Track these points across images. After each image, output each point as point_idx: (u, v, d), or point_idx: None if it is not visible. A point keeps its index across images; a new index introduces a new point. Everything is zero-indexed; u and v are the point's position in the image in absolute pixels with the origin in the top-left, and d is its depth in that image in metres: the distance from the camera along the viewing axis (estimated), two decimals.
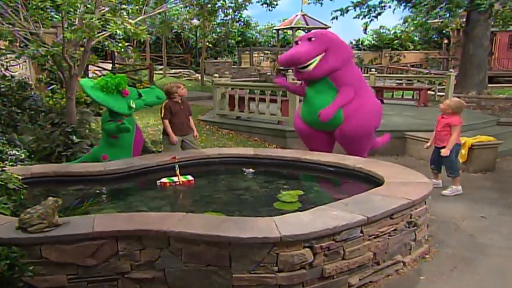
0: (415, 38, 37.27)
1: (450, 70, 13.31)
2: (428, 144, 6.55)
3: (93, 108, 9.25)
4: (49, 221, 3.37)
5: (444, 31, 33.18)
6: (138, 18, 7.18)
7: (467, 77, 15.61)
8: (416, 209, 4.07)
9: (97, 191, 4.89)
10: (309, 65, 6.02)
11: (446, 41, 33.06)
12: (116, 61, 15.98)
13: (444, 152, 6.06)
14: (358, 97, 6.12)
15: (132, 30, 6.18)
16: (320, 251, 3.37)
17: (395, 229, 3.86)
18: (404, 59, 33.88)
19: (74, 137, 6.76)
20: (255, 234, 3.23)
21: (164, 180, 5.08)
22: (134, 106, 5.73)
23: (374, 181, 4.82)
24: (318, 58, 6.01)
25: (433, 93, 13.38)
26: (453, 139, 6.04)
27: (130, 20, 6.22)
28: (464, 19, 16.99)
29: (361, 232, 3.57)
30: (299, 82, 6.92)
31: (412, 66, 29.23)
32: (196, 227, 3.38)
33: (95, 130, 7.73)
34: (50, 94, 9.58)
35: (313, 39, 6.13)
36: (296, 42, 6.38)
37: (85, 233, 3.33)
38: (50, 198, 3.50)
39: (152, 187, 5.17)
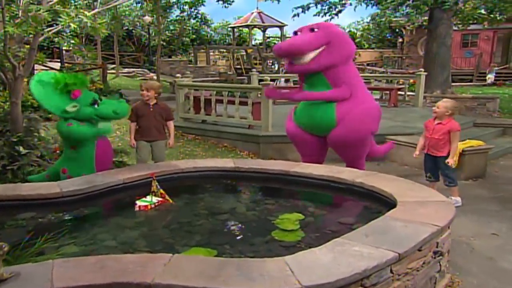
0: (369, 37, 37.55)
1: (420, 69, 13.01)
2: (417, 152, 5.94)
3: (41, 113, 8.21)
4: None
5: (397, 30, 33.51)
6: (92, 12, 6.28)
7: (431, 76, 15.39)
8: (441, 236, 3.47)
9: (53, 220, 4.01)
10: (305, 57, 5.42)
11: (400, 40, 33.40)
12: (64, 60, 14.77)
13: (452, 162, 5.53)
14: (353, 99, 5.57)
15: (89, 24, 5.30)
16: None
17: (423, 263, 3.24)
18: (359, 57, 33.91)
19: (20, 148, 5.83)
20: (268, 286, 2.50)
21: (142, 203, 4.27)
22: (70, 110, 4.80)
23: (380, 199, 4.20)
24: (318, 51, 5.40)
25: (402, 93, 13.03)
26: (455, 147, 5.54)
27: (86, 13, 5.32)
28: (426, 17, 16.85)
29: (391, 271, 2.92)
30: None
31: (368, 64, 29.24)
32: (189, 277, 2.60)
33: (45, 138, 6.76)
34: None
35: (316, 30, 5.50)
36: (295, 33, 5.68)
37: None
38: None
39: (119, 211, 4.35)
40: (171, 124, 5.92)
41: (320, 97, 5.63)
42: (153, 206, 4.28)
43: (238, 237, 3.76)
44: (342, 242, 3.08)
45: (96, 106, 4.95)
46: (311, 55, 5.39)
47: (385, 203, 4.07)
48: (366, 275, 2.72)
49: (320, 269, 2.69)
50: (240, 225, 4.00)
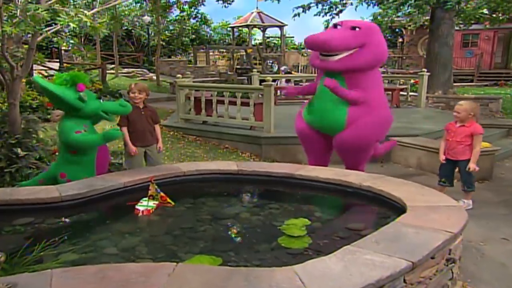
0: None
1: (423, 69, 12.90)
2: (443, 156, 5.75)
3: (40, 114, 8.09)
4: None
5: (397, 30, 33.41)
6: (91, 12, 6.16)
7: (433, 76, 15.28)
8: (454, 242, 3.35)
9: (52, 225, 3.89)
10: (336, 55, 5.21)
11: (400, 40, 33.32)
12: (63, 60, 14.64)
13: (473, 167, 5.44)
14: (367, 105, 5.33)
15: (89, 24, 5.18)
16: None
17: (436, 271, 3.13)
18: None
19: (19, 150, 5.72)
20: None
21: (143, 208, 4.13)
22: (85, 98, 4.66)
23: (390, 204, 4.08)
24: (349, 52, 5.20)
25: (404, 93, 12.93)
26: (478, 151, 5.44)
27: (86, 12, 5.20)
28: (428, 17, 16.75)
29: (404, 281, 2.80)
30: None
31: None
32: None
33: (43, 140, 6.65)
34: None
35: (357, 29, 5.31)
36: (335, 26, 5.49)
37: None
38: None
39: (119, 216, 4.22)
40: (158, 127, 5.76)
41: (342, 94, 5.32)
42: (153, 210, 4.16)
43: (243, 244, 3.64)
44: (353, 250, 2.96)
45: (101, 100, 4.90)
46: (342, 55, 5.21)
47: (394, 208, 3.96)
48: (379, 285, 2.61)
49: (331, 279, 2.57)
50: (244, 231, 3.88)
